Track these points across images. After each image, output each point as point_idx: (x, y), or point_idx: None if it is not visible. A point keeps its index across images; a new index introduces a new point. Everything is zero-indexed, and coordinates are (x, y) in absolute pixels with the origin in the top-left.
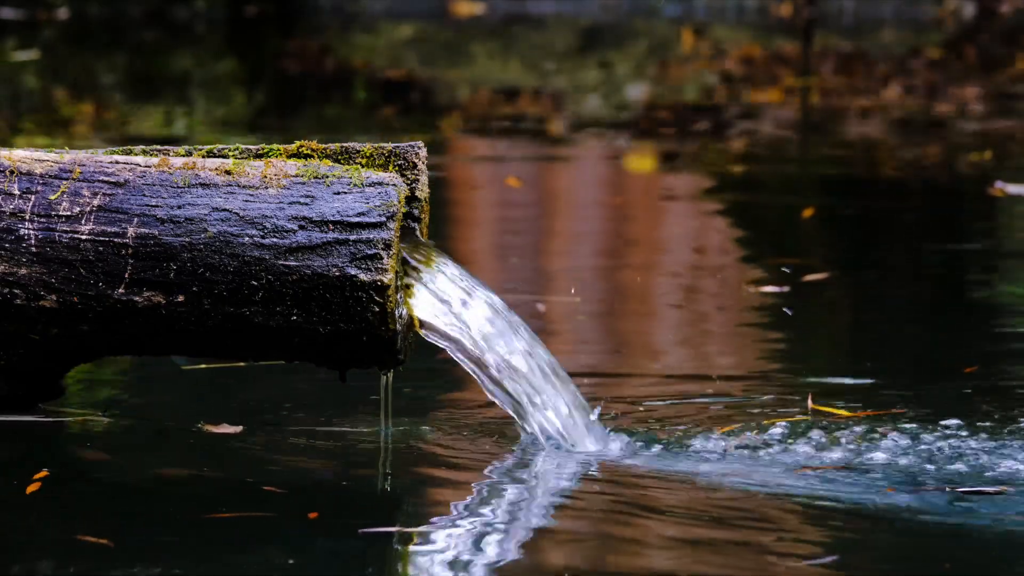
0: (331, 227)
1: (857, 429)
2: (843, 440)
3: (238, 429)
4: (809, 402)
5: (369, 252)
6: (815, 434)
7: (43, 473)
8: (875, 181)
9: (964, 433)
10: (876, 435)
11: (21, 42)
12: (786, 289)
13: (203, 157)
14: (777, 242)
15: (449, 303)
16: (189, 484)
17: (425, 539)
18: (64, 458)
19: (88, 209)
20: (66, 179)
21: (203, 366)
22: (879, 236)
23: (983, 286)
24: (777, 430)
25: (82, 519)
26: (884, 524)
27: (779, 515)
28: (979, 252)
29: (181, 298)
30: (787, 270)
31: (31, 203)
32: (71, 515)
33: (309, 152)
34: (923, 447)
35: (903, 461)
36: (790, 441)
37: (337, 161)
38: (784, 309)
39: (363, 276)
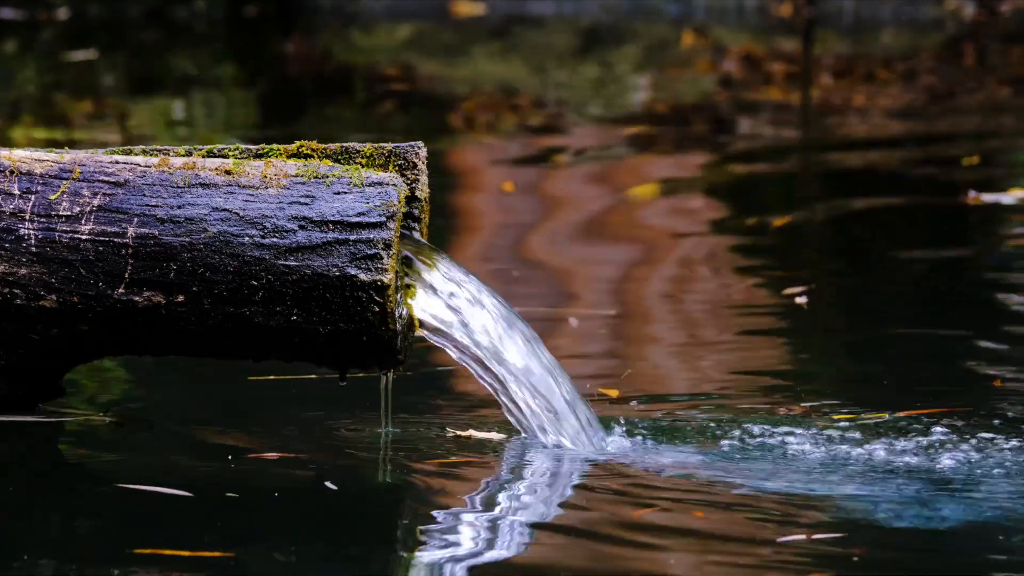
0: (331, 227)
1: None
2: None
3: (500, 436)
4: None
5: (369, 252)
6: (834, 433)
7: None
8: (869, 185)
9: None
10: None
11: (77, 42)
12: (803, 299)
13: (203, 157)
14: (775, 250)
15: (449, 303)
16: (188, 484)
17: (426, 538)
18: (64, 458)
19: (88, 209)
20: (66, 179)
21: (272, 377)
22: (866, 241)
23: (971, 293)
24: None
25: (81, 519)
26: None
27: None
28: (965, 259)
29: (181, 298)
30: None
31: (31, 203)
32: (68, 514)
33: (309, 152)
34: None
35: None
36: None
37: (337, 161)
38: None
39: (363, 276)
